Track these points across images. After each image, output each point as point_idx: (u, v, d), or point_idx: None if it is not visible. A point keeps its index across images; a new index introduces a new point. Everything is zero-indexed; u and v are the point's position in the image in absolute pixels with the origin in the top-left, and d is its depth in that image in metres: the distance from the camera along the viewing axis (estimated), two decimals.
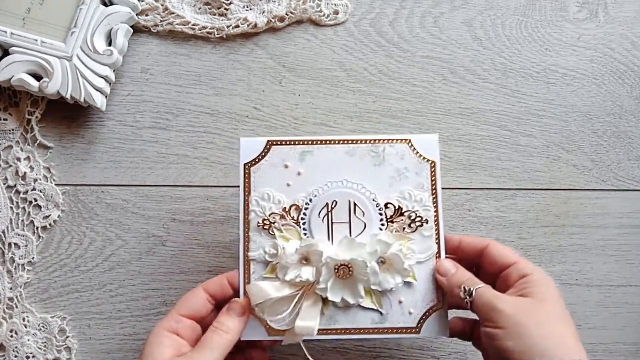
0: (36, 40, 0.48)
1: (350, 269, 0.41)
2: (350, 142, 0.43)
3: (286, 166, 0.43)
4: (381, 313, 0.42)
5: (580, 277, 0.52)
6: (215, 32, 0.52)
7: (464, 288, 0.39)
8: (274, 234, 0.42)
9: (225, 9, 0.52)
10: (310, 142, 0.43)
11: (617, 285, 0.53)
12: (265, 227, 0.42)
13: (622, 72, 0.54)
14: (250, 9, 0.52)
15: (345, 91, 0.53)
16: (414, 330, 0.42)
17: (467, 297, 0.38)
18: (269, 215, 0.42)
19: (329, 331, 0.42)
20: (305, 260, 0.41)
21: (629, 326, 0.52)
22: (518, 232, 0.52)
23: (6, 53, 0.48)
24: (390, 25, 0.53)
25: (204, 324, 0.41)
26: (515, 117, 0.53)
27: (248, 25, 0.52)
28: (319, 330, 0.41)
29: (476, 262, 0.43)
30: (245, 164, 0.43)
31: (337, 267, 0.40)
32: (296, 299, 0.41)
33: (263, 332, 0.41)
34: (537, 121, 0.53)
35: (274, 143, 0.43)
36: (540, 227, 0.53)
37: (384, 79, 0.53)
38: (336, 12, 0.53)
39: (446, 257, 0.42)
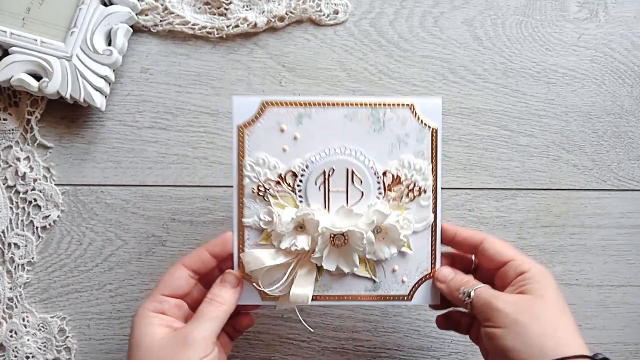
0: (36, 40, 0.48)
1: (346, 237, 0.40)
2: (350, 104, 0.41)
3: (282, 130, 0.41)
4: (375, 281, 0.42)
5: (581, 277, 0.52)
6: (215, 32, 0.52)
7: (463, 291, 0.39)
8: (269, 201, 0.41)
9: (225, 8, 0.52)
10: (307, 104, 0.41)
11: (617, 286, 0.53)
12: (260, 193, 0.41)
13: (622, 72, 0.54)
14: (250, 9, 0.52)
15: (345, 91, 0.52)
16: (405, 298, 0.42)
17: (466, 299, 0.38)
18: (264, 182, 0.41)
19: (323, 297, 0.42)
20: (300, 228, 0.41)
21: (629, 326, 0.52)
22: (518, 232, 0.52)
23: (6, 53, 0.48)
24: (390, 25, 0.53)
25: (189, 300, 0.41)
26: (516, 117, 0.53)
27: (248, 25, 0.52)
28: (312, 296, 0.41)
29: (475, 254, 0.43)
30: (238, 126, 0.41)
31: (332, 235, 0.40)
32: (291, 267, 0.41)
33: (257, 297, 0.41)
34: (538, 121, 0.53)
35: (269, 104, 0.41)
36: (540, 227, 0.52)
37: (384, 79, 0.53)
38: (336, 12, 0.53)
39: (443, 266, 0.42)
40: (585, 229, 0.53)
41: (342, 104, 0.41)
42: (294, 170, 0.41)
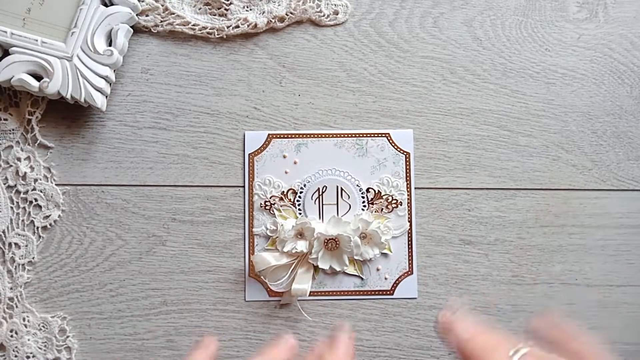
0: (36, 41, 0.48)
1: (337, 242, 0.49)
2: (338, 135, 0.51)
3: (284, 156, 0.51)
4: (362, 278, 0.51)
5: (580, 277, 0.52)
6: (216, 33, 0.52)
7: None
8: (274, 214, 0.50)
9: (225, 9, 0.52)
10: (304, 136, 0.51)
11: (617, 285, 0.53)
12: (267, 207, 0.51)
13: (622, 72, 0.54)
14: (250, 10, 0.52)
15: (345, 91, 0.53)
16: (388, 292, 0.51)
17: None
18: (270, 198, 0.51)
19: (319, 293, 0.51)
20: (300, 235, 0.50)
21: (629, 326, 0.52)
22: (518, 232, 0.52)
23: (6, 53, 0.48)
24: (390, 26, 0.53)
25: None
26: (515, 117, 0.53)
27: (248, 26, 0.52)
28: (310, 292, 0.49)
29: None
30: (249, 154, 0.51)
31: (326, 241, 0.49)
32: (292, 267, 0.50)
33: (265, 294, 0.51)
34: (537, 121, 0.53)
35: (274, 136, 0.51)
36: (540, 227, 0.53)
37: (384, 79, 0.53)
38: (336, 13, 0.53)
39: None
40: (584, 229, 0.53)
41: (332, 135, 0.51)
42: (294, 188, 0.51)
